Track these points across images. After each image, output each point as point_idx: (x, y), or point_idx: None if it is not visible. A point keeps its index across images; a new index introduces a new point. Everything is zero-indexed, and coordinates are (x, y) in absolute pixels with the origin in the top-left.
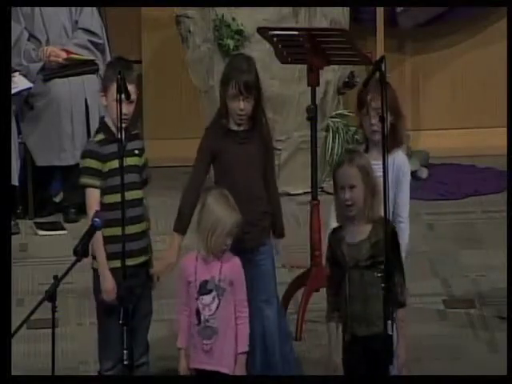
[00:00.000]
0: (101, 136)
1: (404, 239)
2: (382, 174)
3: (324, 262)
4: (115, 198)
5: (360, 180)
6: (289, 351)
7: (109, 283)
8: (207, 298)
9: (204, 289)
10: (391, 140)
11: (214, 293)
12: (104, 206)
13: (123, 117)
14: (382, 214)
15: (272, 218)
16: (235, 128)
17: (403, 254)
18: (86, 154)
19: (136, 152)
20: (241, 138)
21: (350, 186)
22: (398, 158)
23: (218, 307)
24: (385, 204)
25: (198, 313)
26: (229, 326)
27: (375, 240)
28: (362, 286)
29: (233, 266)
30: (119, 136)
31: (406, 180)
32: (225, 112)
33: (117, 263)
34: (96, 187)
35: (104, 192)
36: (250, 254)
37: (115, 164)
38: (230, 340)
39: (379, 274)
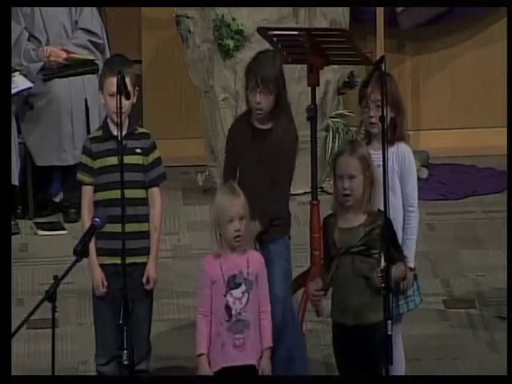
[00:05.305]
0: (97, 133)
1: (414, 225)
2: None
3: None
4: (105, 195)
5: (360, 171)
6: (301, 357)
7: (96, 278)
8: (237, 292)
9: (233, 283)
10: (391, 134)
11: (243, 286)
12: (95, 203)
13: (119, 110)
14: (380, 206)
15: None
16: (258, 125)
17: (414, 237)
18: (82, 151)
19: (138, 151)
20: (258, 137)
21: (349, 176)
22: (401, 148)
23: (248, 300)
24: (384, 195)
25: (227, 308)
26: (257, 320)
27: (370, 228)
28: (352, 272)
29: (258, 260)
30: (118, 132)
31: (413, 169)
32: (248, 106)
33: (105, 260)
34: (87, 184)
35: (95, 189)
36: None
37: (107, 161)
38: (258, 334)
39: (379, 275)
